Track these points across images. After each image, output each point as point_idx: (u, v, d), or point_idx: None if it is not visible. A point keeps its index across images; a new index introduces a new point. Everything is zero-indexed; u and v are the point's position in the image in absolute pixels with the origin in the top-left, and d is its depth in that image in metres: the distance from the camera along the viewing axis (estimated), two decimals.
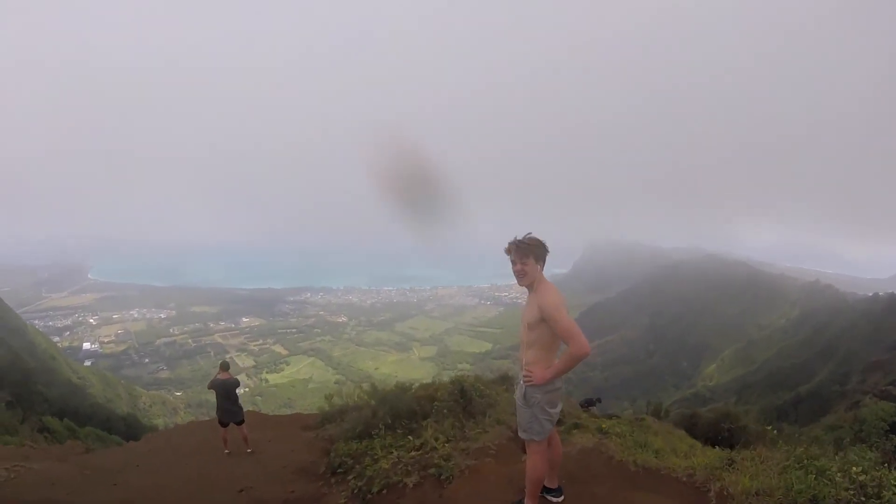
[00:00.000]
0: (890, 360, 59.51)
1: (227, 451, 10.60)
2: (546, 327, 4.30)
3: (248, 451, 10.52)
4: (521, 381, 4.51)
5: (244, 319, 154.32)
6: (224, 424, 10.59)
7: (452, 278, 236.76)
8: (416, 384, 16.97)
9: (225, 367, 10.94)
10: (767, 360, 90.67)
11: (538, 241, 4.34)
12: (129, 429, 44.01)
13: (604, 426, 8.76)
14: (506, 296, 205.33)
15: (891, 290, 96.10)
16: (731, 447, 18.73)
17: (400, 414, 10.08)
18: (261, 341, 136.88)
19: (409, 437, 8.44)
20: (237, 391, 10.89)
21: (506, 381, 20.20)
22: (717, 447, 17.13)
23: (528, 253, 4.31)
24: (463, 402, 9.43)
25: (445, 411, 9.23)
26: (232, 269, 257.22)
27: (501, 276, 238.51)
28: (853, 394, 49.64)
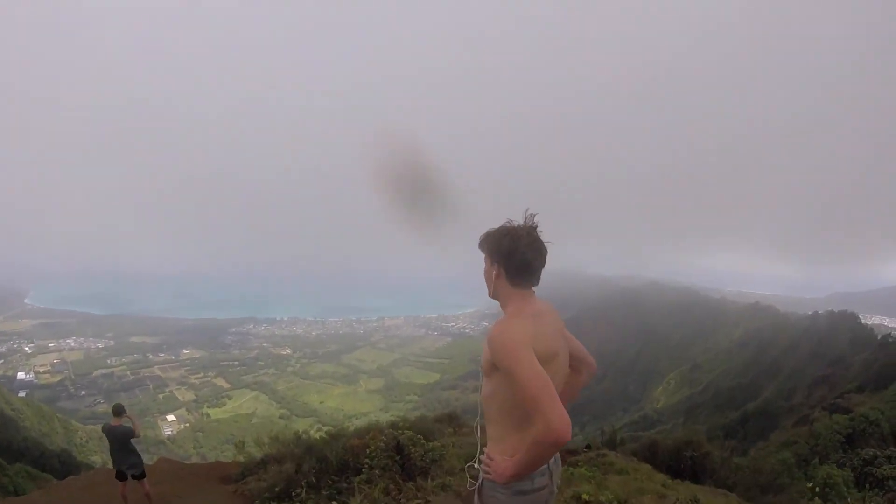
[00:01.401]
0: (833, 374, 61.81)
1: None
2: (505, 379, 2.52)
3: None
4: (479, 468, 2.84)
5: (185, 351, 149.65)
6: (122, 478, 9.28)
7: (399, 309, 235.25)
8: (352, 428, 16.37)
9: (118, 411, 9.43)
10: (713, 381, 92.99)
11: (500, 232, 2.69)
12: (64, 466, 42.20)
13: (585, 496, 7.60)
14: (453, 326, 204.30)
15: (830, 308, 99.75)
16: (695, 475, 18.46)
17: (328, 469, 9.48)
18: (202, 374, 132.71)
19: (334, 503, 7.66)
20: (132, 440, 9.30)
21: (453, 420, 19.59)
22: (681, 478, 16.82)
23: (483, 250, 2.83)
24: (400, 459, 8.36)
25: (378, 471, 8.19)
26: (173, 298, 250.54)
27: (448, 306, 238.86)
28: (800, 408, 51.31)
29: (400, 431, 8.79)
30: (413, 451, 8.38)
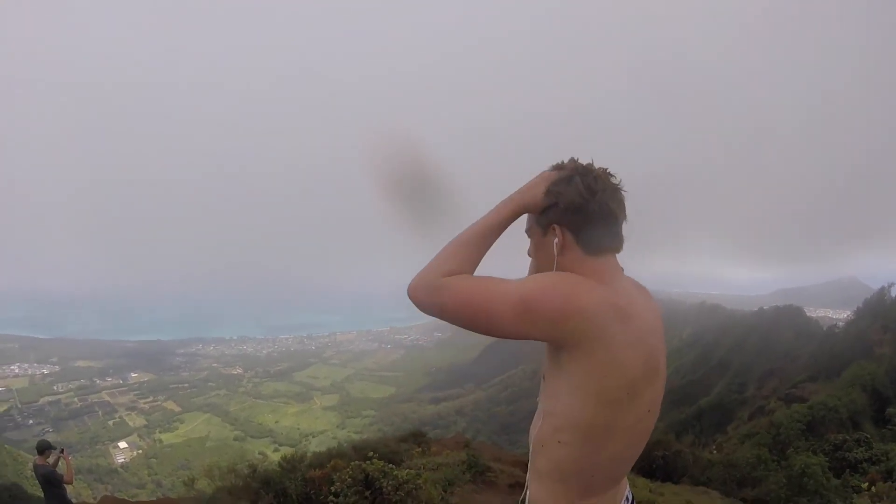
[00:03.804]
0: (783, 367, 64.22)
1: None
2: (569, 361, 1.66)
3: None
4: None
5: (132, 374, 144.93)
6: None
7: (350, 323, 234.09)
8: (320, 451, 16.29)
9: (41, 448, 8.56)
10: (665, 380, 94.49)
11: (557, 177, 1.75)
12: (14, 500, 40.77)
13: None
14: (406, 338, 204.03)
15: (775, 304, 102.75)
16: (668, 475, 19.17)
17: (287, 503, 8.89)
18: (151, 398, 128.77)
19: None
20: (62, 484, 8.35)
21: (419, 438, 19.67)
22: (652, 478, 17.43)
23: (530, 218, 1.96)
24: (370, 494, 7.48)
25: None
26: (115, 320, 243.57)
27: (400, 319, 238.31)
28: (753, 400, 53.15)
29: (368, 462, 7.88)
30: (384, 483, 7.52)
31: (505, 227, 1.78)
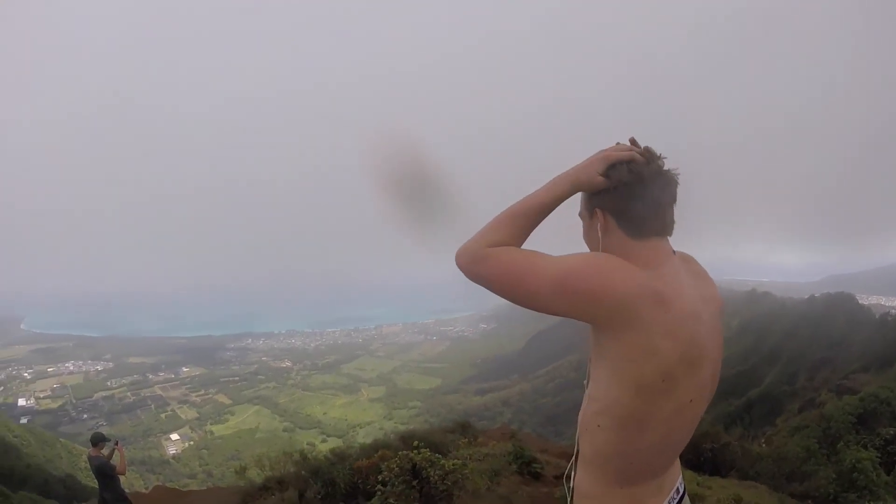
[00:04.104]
0: (833, 356, 62.10)
1: None
2: (606, 345, 1.65)
3: None
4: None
5: (184, 369, 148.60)
6: None
7: (396, 316, 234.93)
8: (366, 442, 16.08)
9: (95, 440, 8.59)
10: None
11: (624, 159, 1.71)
12: (69, 491, 41.66)
13: None
14: (451, 329, 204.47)
15: (826, 291, 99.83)
16: (716, 468, 18.46)
17: (335, 493, 8.89)
18: (203, 391, 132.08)
19: None
20: (114, 475, 8.42)
21: (466, 429, 19.31)
22: (701, 472, 16.82)
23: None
24: (417, 483, 7.47)
25: (392, 500, 7.36)
26: (166, 319, 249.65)
27: (445, 311, 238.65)
28: (804, 392, 51.42)
29: (415, 451, 7.87)
30: (431, 473, 7.48)
31: (556, 205, 1.76)
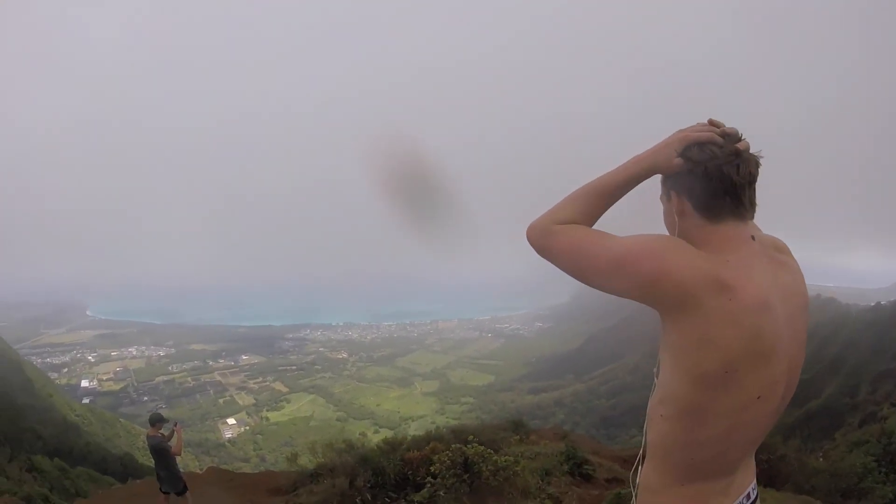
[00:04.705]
0: None
1: None
2: (669, 332, 1.61)
3: None
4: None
5: (243, 357, 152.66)
6: (163, 491, 8.72)
7: (452, 312, 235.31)
8: (418, 435, 15.90)
9: (153, 420, 8.77)
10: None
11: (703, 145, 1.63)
12: (126, 469, 43.04)
13: None
14: (506, 327, 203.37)
15: (893, 298, 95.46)
16: (770, 480, 17.77)
17: (385, 483, 8.83)
18: (260, 379, 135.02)
19: None
20: (170, 455, 8.54)
21: (518, 427, 19.00)
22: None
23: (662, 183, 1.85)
24: (468, 478, 7.40)
25: (443, 493, 7.35)
26: (229, 308, 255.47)
27: (500, 308, 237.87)
28: (865, 405, 49.31)
29: (469, 446, 7.80)
30: (483, 468, 7.44)
31: (630, 187, 1.73)
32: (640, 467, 1.80)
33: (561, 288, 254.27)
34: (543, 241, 1.69)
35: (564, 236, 1.65)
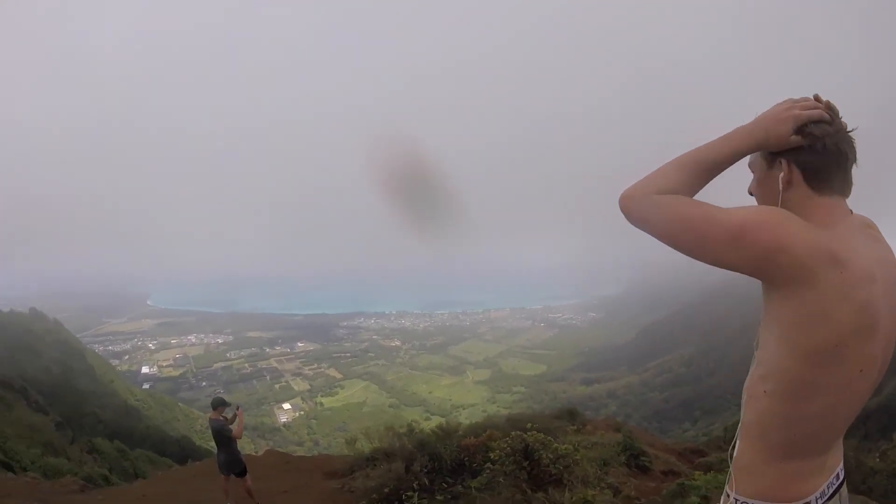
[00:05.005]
0: None
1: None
2: (778, 306, 1.56)
3: None
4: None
5: (299, 344, 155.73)
6: (224, 472, 9.00)
7: (504, 301, 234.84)
8: (469, 423, 16.05)
9: (215, 404, 9.05)
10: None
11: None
12: (183, 451, 44.33)
13: None
14: (559, 317, 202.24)
15: None
16: None
17: (441, 469, 8.74)
18: (315, 365, 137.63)
19: None
20: (231, 437, 8.80)
21: (573, 417, 18.99)
22: None
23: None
24: (527, 465, 7.24)
25: (502, 479, 7.26)
26: (286, 297, 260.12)
27: (553, 298, 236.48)
28: None
29: (530, 433, 7.58)
30: (543, 455, 7.26)
31: (733, 161, 1.66)
32: (736, 443, 1.79)
33: (616, 278, 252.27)
34: (643, 210, 1.61)
35: (669, 206, 1.57)
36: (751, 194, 1.77)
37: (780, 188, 1.63)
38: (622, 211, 1.65)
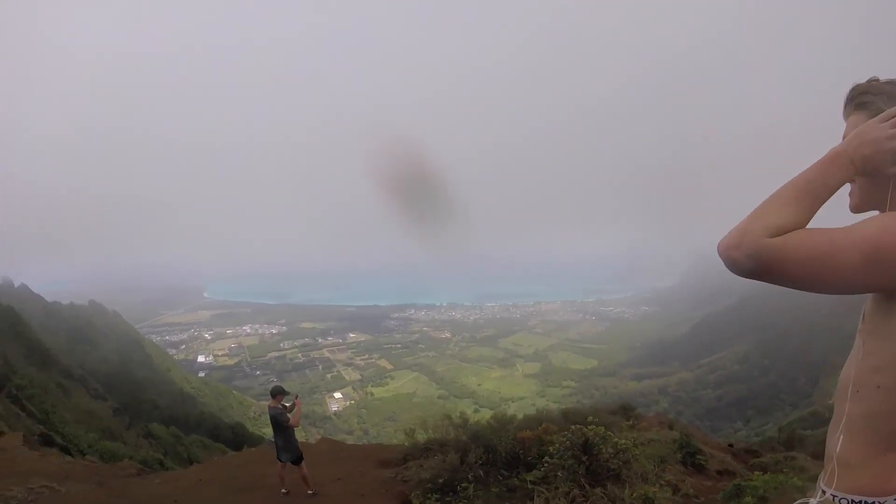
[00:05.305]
0: None
1: (283, 490, 9.52)
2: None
3: (310, 492, 9.36)
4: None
5: (351, 335, 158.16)
6: (280, 458, 9.32)
7: (555, 294, 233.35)
8: (519, 417, 15.90)
9: (274, 392, 9.44)
10: None
11: None
12: (237, 437, 45.48)
13: None
14: (612, 310, 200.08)
15: None
16: None
17: (496, 461, 8.70)
18: (366, 356, 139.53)
19: None
20: (288, 425, 9.13)
21: (628, 412, 18.71)
22: None
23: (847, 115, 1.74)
24: (586, 459, 7.15)
25: (560, 473, 7.08)
26: (338, 289, 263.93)
27: (607, 291, 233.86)
28: None
29: (591, 428, 7.45)
30: (603, 449, 7.20)
31: (837, 189, 1.51)
32: (839, 439, 1.67)
33: (669, 271, 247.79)
34: (763, 259, 1.40)
35: (795, 248, 1.40)
36: (853, 211, 1.63)
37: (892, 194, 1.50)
38: (730, 265, 1.44)
